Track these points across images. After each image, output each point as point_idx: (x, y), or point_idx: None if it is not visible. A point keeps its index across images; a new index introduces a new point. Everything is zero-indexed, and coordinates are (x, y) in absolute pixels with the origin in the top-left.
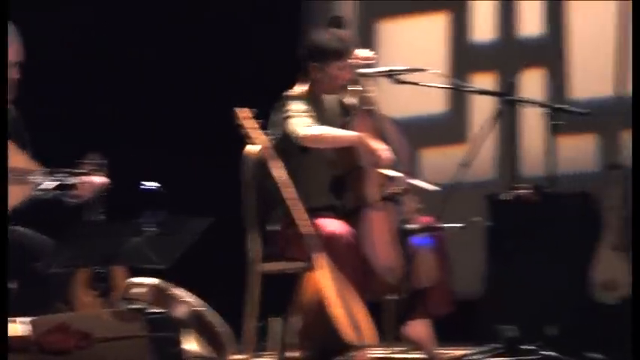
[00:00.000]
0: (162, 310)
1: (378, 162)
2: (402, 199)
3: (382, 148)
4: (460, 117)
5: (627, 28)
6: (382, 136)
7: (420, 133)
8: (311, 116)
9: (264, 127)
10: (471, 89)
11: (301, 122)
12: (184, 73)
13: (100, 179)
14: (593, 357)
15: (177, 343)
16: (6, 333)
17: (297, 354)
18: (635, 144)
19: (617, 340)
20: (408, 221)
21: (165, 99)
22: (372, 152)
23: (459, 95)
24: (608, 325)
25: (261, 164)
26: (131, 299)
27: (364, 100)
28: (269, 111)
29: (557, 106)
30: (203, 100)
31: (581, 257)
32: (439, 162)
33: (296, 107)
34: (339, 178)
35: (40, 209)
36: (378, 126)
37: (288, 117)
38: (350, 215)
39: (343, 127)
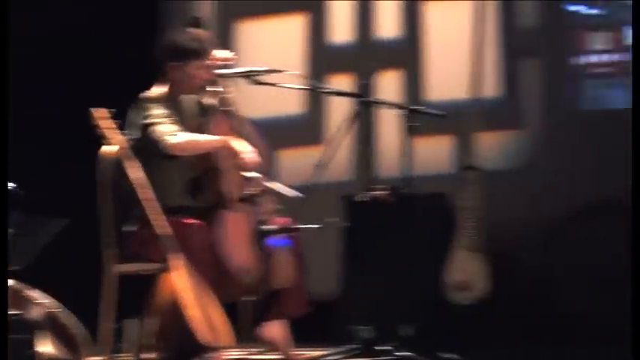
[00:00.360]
0: (17, 312)
1: (243, 165)
2: (260, 200)
3: (247, 151)
4: (317, 118)
5: (483, 28)
6: (240, 137)
7: (278, 134)
8: (174, 122)
9: (121, 127)
10: (328, 90)
11: (166, 130)
12: (41, 72)
13: None
14: (448, 357)
15: (32, 345)
16: (6, 330)
17: (153, 355)
18: (635, 144)
19: (472, 340)
20: (265, 222)
21: (21, 98)
22: (238, 156)
23: (316, 96)
24: (462, 326)
25: (117, 165)
26: None
27: (222, 100)
28: (127, 111)
29: (413, 107)
30: (59, 99)
31: (437, 258)
32: (296, 163)
33: (157, 112)
34: (196, 179)
35: None
36: (237, 127)
37: (152, 123)
38: (207, 216)
39: (201, 127)
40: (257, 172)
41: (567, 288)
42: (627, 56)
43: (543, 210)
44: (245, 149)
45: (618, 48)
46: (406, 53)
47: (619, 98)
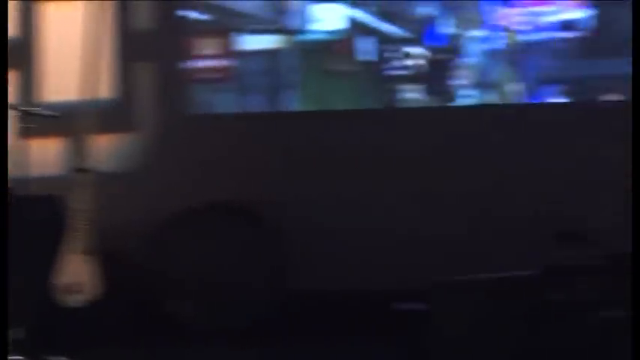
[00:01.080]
0: None
1: None
2: None
3: None
4: None
5: (98, 30)
6: None
7: None
8: None
9: None
10: None
11: None
12: None
13: None
14: (58, 359)
15: None
16: (6, 330)
17: None
18: (635, 144)
19: (82, 342)
20: None
21: None
22: None
23: None
24: (73, 327)
25: None
26: None
27: None
28: None
29: (27, 109)
30: None
31: (47, 260)
32: None
33: None
34: None
35: None
36: None
37: None
38: None
39: None
40: None
41: (180, 288)
42: (234, 62)
43: (155, 212)
44: None
45: (226, 54)
46: (20, 53)
47: (226, 103)
